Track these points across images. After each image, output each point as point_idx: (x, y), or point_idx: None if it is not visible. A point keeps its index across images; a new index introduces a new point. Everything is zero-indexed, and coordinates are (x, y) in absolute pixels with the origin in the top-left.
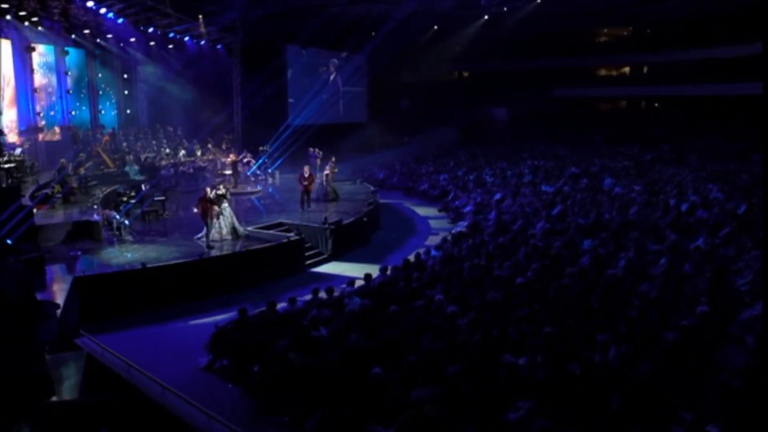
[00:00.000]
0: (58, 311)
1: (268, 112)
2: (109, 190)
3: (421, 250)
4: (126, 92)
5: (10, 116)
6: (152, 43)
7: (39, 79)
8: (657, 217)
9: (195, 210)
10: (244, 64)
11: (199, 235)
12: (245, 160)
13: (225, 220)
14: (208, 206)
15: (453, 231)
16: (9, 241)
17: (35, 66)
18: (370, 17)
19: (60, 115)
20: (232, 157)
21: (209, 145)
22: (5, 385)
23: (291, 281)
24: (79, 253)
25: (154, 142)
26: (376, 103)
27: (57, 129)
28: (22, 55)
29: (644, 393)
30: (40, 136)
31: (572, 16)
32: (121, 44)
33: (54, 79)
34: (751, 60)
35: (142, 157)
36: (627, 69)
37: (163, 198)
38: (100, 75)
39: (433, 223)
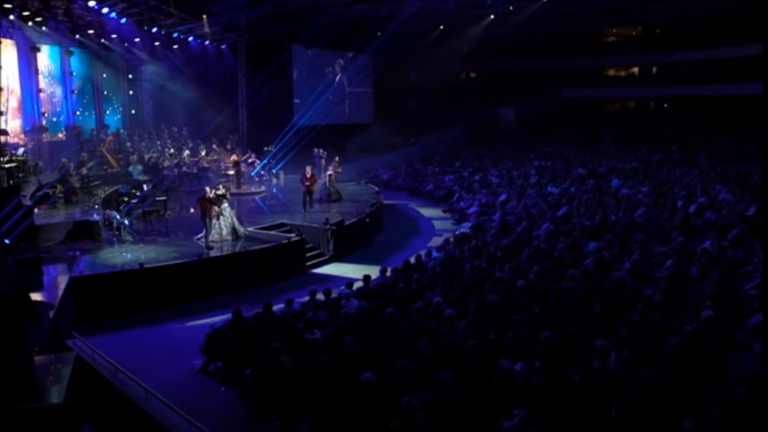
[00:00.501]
0: (51, 312)
1: (273, 112)
2: (111, 190)
3: (422, 252)
4: (131, 92)
5: (15, 124)
6: (156, 44)
7: (44, 79)
8: (664, 219)
9: (192, 210)
10: (249, 64)
11: (199, 235)
12: (250, 161)
13: (225, 220)
14: (207, 206)
15: (456, 232)
16: (7, 241)
17: (40, 67)
18: (375, 16)
19: (65, 116)
20: (234, 157)
21: (214, 146)
22: None
23: (291, 282)
24: (78, 253)
25: (158, 142)
26: (383, 103)
27: (61, 130)
28: (27, 56)
29: (644, 400)
30: (44, 137)
31: (580, 15)
32: (126, 44)
33: (59, 81)
34: (762, 60)
35: (146, 157)
36: (636, 69)
37: (164, 198)
38: (104, 75)
39: (437, 224)
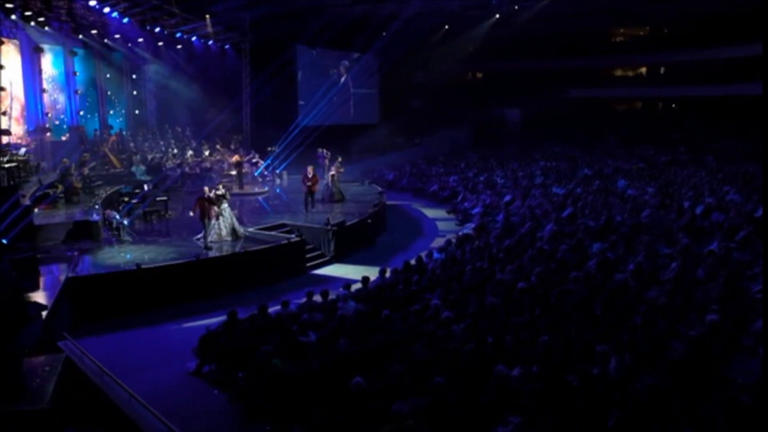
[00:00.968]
0: (44, 313)
1: (278, 113)
2: (112, 190)
3: (423, 253)
4: (134, 93)
5: (19, 130)
6: (160, 44)
7: (47, 81)
8: (670, 220)
9: (191, 214)
10: (253, 64)
11: (199, 236)
12: (253, 161)
13: (225, 220)
14: (206, 206)
15: (460, 233)
16: (4, 241)
17: (44, 67)
18: (378, 16)
19: (68, 117)
20: (236, 157)
21: (217, 146)
22: None
23: (291, 283)
24: (76, 253)
25: (162, 142)
26: (387, 103)
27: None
28: (31, 56)
29: (645, 408)
30: (47, 137)
31: (586, 14)
32: (129, 44)
33: (62, 82)
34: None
35: (149, 157)
36: (643, 69)
37: (165, 198)
38: (107, 76)
39: (440, 225)
